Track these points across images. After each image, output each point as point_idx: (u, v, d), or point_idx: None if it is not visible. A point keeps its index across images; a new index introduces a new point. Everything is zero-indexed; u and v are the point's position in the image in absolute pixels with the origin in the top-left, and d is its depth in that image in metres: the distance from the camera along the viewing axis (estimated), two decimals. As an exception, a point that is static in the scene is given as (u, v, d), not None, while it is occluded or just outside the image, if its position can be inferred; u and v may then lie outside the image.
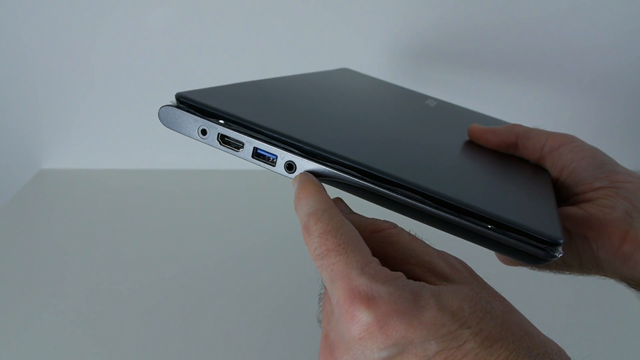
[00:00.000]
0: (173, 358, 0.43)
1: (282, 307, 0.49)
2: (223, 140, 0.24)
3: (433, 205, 0.22)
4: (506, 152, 0.32)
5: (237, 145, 0.24)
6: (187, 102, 0.24)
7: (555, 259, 0.21)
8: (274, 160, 0.23)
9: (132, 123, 0.74)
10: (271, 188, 0.72)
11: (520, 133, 0.31)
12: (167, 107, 0.24)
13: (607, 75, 0.70)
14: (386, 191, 0.22)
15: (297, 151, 0.23)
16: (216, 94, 0.26)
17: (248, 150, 0.23)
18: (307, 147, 0.23)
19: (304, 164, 0.23)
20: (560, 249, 0.21)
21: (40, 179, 0.75)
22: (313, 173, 0.23)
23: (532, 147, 0.31)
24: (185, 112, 0.24)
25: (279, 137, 0.23)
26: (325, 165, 0.22)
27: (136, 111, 0.73)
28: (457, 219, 0.21)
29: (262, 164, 0.23)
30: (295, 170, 0.23)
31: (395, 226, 0.21)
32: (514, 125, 0.32)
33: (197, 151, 0.76)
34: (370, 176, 0.22)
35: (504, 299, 0.19)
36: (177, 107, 0.24)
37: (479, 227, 0.21)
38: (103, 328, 0.46)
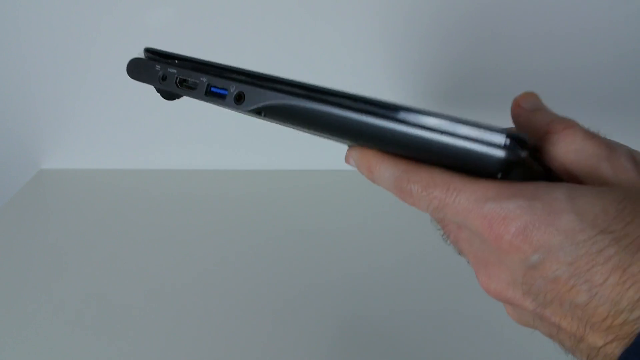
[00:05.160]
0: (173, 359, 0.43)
1: (285, 308, 0.49)
2: (181, 83, 0.24)
3: (382, 114, 0.19)
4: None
5: (192, 86, 0.24)
6: (151, 51, 0.26)
7: (521, 159, 0.18)
8: (225, 94, 0.23)
9: (132, 123, 0.74)
10: (272, 188, 0.72)
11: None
12: (134, 58, 0.26)
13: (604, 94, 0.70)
14: (339, 106, 0.20)
15: (244, 78, 0.22)
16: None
17: (202, 88, 0.24)
18: (255, 73, 0.22)
19: (254, 93, 0.22)
20: (525, 148, 0.18)
21: (39, 179, 0.74)
22: (270, 107, 0.21)
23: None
24: (149, 60, 0.25)
25: (229, 68, 0.23)
26: (277, 91, 0.21)
27: (136, 111, 0.73)
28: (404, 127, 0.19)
29: (216, 99, 0.23)
30: (244, 101, 0.22)
31: None
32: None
33: (197, 151, 0.76)
34: (323, 92, 0.21)
35: None
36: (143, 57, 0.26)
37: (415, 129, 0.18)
38: (102, 329, 0.46)
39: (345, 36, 0.68)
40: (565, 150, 0.20)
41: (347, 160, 0.23)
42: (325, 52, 0.69)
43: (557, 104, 0.23)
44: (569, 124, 0.21)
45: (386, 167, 0.21)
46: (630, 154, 0.19)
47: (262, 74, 0.23)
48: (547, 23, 0.67)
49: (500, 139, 0.17)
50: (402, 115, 0.19)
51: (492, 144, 0.17)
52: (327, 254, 0.56)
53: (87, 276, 0.53)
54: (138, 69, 0.26)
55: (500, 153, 0.17)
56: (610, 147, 0.20)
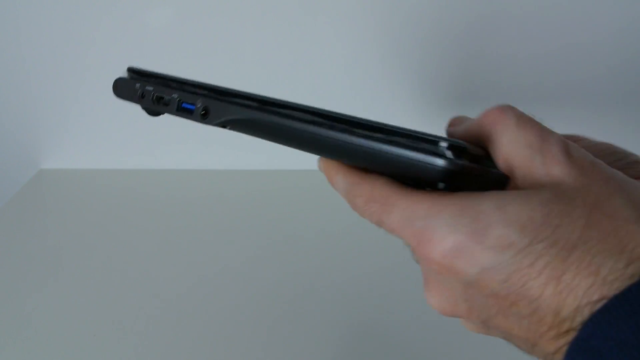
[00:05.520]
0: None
1: (285, 308, 0.49)
2: (157, 100, 0.25)
3: (325, 124, 0.20)
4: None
5: (167, 102, 0.25)
6: (132, 70, 0.27)
7: (460, 167, 0.17)
8: (193, 109, 0.24)
9: (131, 123, 0.74)
10: (272, 188, 0.72)
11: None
12: (118, 78, 0.27)
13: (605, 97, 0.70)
14: (286, 117, 0.21)
15: (210, 93, 0.23)
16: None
17: (173, 104, 0.25)
18: (220, 89, 0.23)
19: (217, 107, 0.23)
20: (461, 157, 0.17)
21: (39, 179, 0.74)
22: (231, 121, 0.22)
23: None
24: (130, 79, 0.27)
25: (199, 85, 0.24)
26: (236, 105, 0.22)
27: (136, 111, 0.73)
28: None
29: (186, 115, 0.24)
30: (208, 116, 0.23)
31: None
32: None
33: (197, 151, 0.76)
34: (273, 104, 0.21)
35: (611, 179, 0.17)
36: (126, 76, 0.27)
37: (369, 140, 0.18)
38: (101, 329, 0.46)
39: (345, 37, 0.68)
40: (500, 142, 0.19)
41: (319, 168, 0.23)
42: (324, 53, 0.69)
43: (554, 109, 0.23)
44: (500, 111, 0.19)
45: (340, 179, 0.21)
46: (563, 143, 0.18)
47: (226, 89, 0.23)
48: (547, 35, 0.67)
49: (438, 148, 0.17)
50: (346, 125, 0.19)
51: (431, 153, 0.17)
52: (327, 254, 0.56)
53: (87, 276, 0.53)
54: (121, 88, 0.27)
55: (439, 162, 0.17)
56: (543, 135, 0.18)
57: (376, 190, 0.19)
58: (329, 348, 0.44)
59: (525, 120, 0.18)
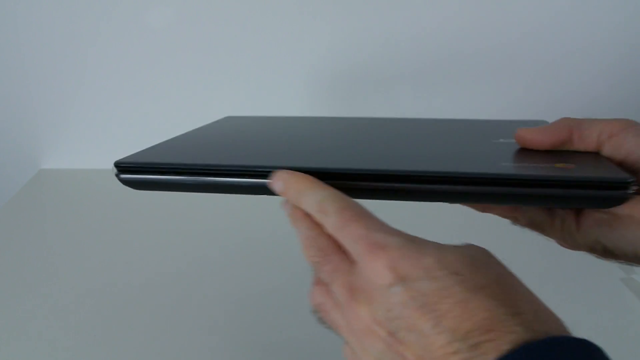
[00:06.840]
0: (171, 358, 0.43)
1: (285, 306, 0.49)
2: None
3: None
4: (561, 149, 0.30)
5: None
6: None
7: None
8: None
9: (131, 123, 0.74)
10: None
11: (573, 125, 0.29)
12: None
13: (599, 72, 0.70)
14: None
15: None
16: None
17: None
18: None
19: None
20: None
21: (39, 179, 0.75)
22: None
23: (589, 137, 0.28)
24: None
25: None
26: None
27: (135, 111, 0.73)
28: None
29: None
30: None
31: None
32: (562, 119, 0.30)
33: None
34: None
35: (502, 273, 0.22)
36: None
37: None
38: (101, 328, 0.46)
39: (343, 37, 0.68)
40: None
41: (272, 184, 0.29)
42: (322, 54, 0.69)
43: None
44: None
45: (317, 190, 0.25)
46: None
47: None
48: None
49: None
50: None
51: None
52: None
53: (87, 276, 0.53)
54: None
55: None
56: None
57: (351, 204, 0.24)
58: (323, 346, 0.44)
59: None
